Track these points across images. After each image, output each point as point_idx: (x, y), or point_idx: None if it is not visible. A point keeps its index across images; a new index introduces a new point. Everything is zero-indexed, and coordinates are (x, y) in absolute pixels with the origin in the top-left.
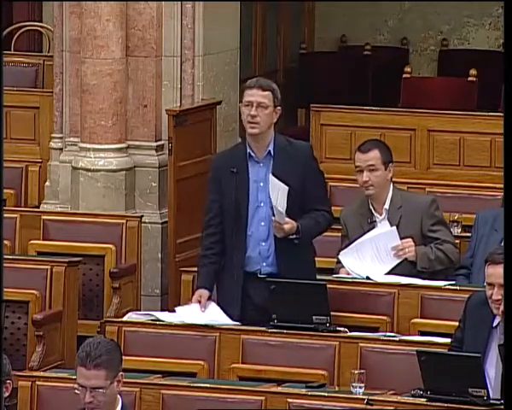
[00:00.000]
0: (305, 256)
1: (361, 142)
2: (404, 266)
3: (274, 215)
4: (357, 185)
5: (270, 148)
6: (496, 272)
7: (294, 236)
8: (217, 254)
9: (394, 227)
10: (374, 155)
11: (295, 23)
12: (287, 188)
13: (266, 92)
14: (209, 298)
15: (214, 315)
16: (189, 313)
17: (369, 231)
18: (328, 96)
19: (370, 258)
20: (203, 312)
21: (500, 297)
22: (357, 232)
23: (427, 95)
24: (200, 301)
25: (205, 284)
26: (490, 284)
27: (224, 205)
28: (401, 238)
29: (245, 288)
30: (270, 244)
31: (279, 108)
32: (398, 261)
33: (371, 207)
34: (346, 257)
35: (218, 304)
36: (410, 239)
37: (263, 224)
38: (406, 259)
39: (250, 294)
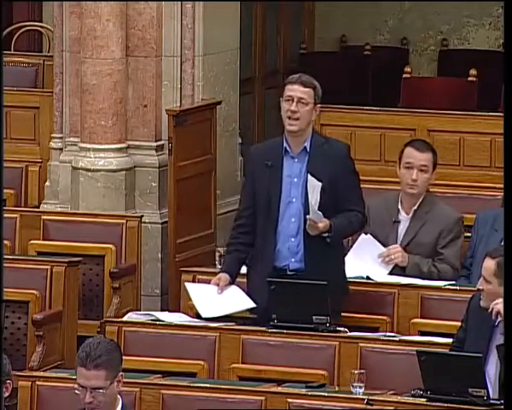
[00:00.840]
0: (334, 255)
1: (361, 142)
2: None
3: (308, 213)
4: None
5: (307, 144)
6: (484, 264)
7: (327, 234)
8: (243, 243)
9: (369, 235)
10: (429, 157)
11: (295, 23)
12: (320, 184)
13: (307, 89)
14: (231, 283)
15: (232, 298)
16: (202, 293)
17: (391, 231)
18: (328, 96)
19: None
20: (219, 293)
21: (481, 288)
22: (377, 226)
23: (427, 95)
24: (218, 284)
25: (226, 269)
26: (484, 278)
27: (257, 198)
28: (417, 242)
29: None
30: (300, 240)
31: (319, 105)
32: (388, 269)
33: (400, 204)
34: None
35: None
36: (397, 245)
37: (293, 220)
38: (396, 265)
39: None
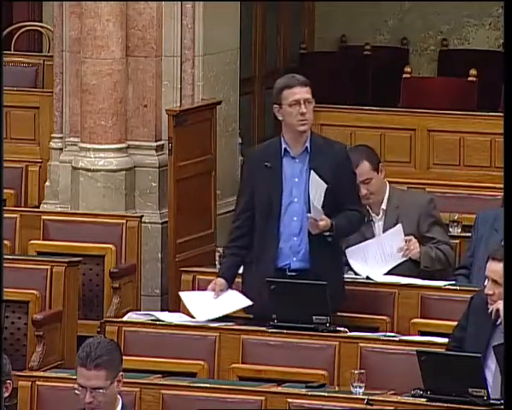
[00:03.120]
0: (334, 254)
1: (361, 142)
2: (404, 266)
3: (309, 211)
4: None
5: (307, 144)
6: (491, 267)
7: (328, 233)
8: (240, 247)
9: (400, 225)
10: (364, 169)
11: (295, 23)
12: (325, 186)
13: (307, 87)
14: (227, 288)
15: (227, 299)
16: (197, 300)
17: (366, 230)
18: (328, 96)
19: (374, 257)
20: (215, 298)
21: (491, 292)
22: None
23: (427, 95)
24: (214, 289)
25: (222, 274)
26: (490, 280)
27: (257, 200)
28: None
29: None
30: (302, 239)
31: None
32: (400, 260)
33: (368, 207)
34: (351, 255)
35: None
36: (412, 237)
37: (295, 219)
38: (410, 258)
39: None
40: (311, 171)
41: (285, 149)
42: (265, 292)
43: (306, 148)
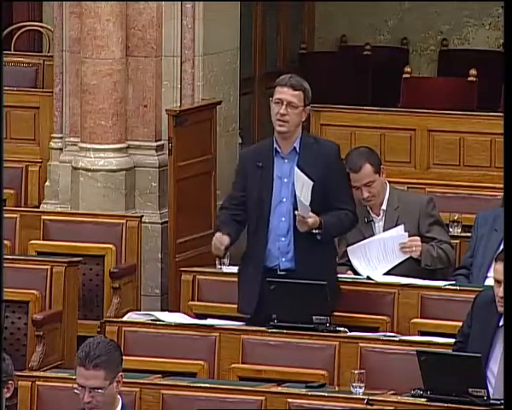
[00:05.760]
0: (325, 255)
1: (361, 142)
2: (405, 264)
3: (297, 209)
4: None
5: (296, 145)
6: (498, 269)
7: (317, 231)
8: (236, 215)
9: (402, 227)
10: (367, 172)
11: (295, 23)
12: (311, 183)
13: (297, 92)
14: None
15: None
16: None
17: (366, 231)
18: (328, 96)
19: (376, 255)
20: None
21: (501, 295)
22: (354, 233)
23: (427, 95)
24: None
25: (221, 229)
26: (497, 281)
27: (248, 199)
28: None
29: (263, 285)
30: (290, 240)
31: (309, 107)
32: (402, 258)
33: (368, 208)
34: (353, 253)
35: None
36: (417, 237)
37: (283, 219)
38: (411, 256)
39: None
40: (296, 168)
41: (275, 148)
42: (256, 293)
43: (295, 148)
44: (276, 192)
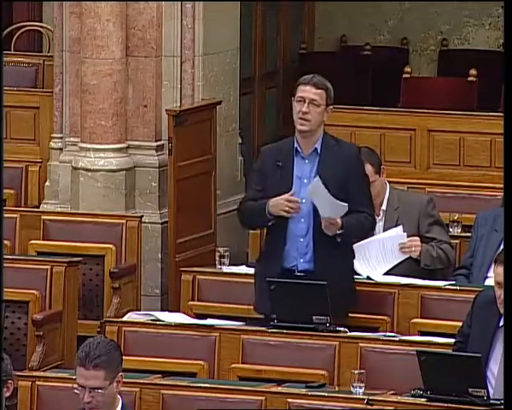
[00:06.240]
0: (343, 256)
1: (361, 142)
2: (405, 264)
3: (316, 213)
4: None
5: (318, 145)
6: (498, 271)
7: (339, 231)
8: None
9: (400, 227)
10: (367, 172)
11: (295, 23)
12: (322, 186)
13: (320, 90)
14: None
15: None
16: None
17: None
18: None
19: (375, 256)
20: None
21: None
22: None
23: (427, 95)
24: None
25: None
26: (498, 284)
27: (266, 198)
28: None
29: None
30: (309, 241)
31: (331, 107)
32: (401, 259)
33: None
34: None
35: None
36: (417, 238)
37: (302, 220)
38: (410, 256)
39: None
40: (317, 180)
41: (296, 148)
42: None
43: (316, 149)
44: (295, 193)
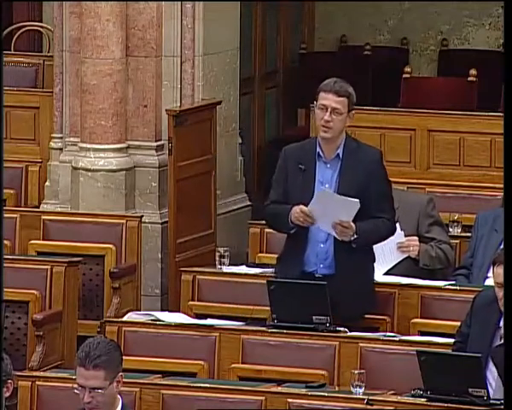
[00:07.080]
0: (362, 261)
1: None
2: (404, 264)
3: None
4: None
5: (340, 150)
6: (497, 271)
7: (353, 237)
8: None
9: (398, 226)
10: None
11: (295, 23)
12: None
13: (342, 98)
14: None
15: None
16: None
17: None
18: None
19: (376, 257)
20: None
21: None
22: None
23: (427, 95)
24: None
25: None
26: (498, 284)
27: (289, 200)
28: None
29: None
30: (329, 247)
31: (353, 112)
32: (400, 258)
33: None
34: None
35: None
36: (415, 237)
37: None
38: (409, 256)
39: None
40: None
41: (318, 152)
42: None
43: (338, 154)
44: None
